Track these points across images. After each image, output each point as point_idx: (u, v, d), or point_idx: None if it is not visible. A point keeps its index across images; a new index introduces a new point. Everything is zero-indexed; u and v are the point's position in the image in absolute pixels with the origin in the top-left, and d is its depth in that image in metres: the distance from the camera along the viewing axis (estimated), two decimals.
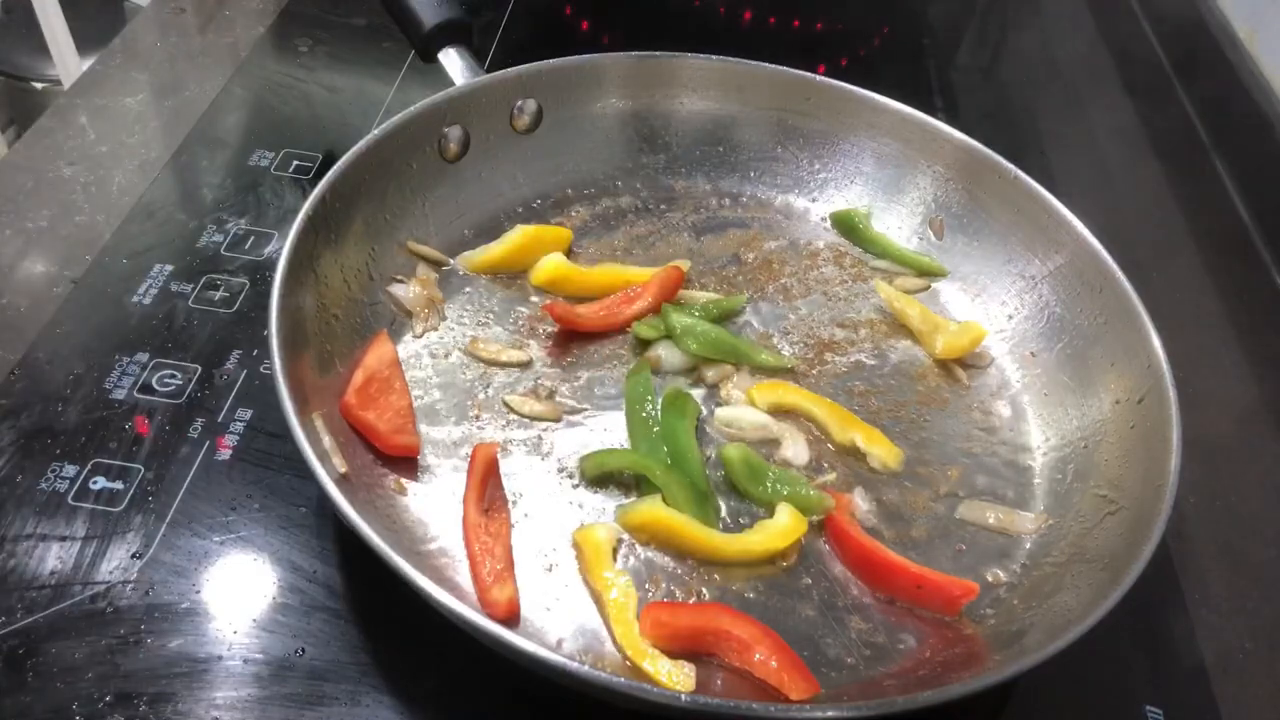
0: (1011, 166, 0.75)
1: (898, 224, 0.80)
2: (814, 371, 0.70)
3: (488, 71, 0.76)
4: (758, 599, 0.57)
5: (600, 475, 0.61)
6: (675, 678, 0.51)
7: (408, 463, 0.60)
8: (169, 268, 0.73)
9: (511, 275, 0.73)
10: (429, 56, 0.78)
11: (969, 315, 0.75)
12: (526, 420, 0.64)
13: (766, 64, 0.81)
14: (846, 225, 0.80)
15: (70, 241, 0.74)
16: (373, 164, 0.68)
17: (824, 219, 0.82)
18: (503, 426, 0.63)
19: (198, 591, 0.55)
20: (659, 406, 0.64)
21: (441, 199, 0.74)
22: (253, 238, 0.76)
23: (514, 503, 0.59)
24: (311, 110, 0.90)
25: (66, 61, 1.49)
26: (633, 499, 0.60)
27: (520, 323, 0.70)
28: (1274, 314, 0.83)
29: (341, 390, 0.60)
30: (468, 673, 0.53)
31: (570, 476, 0.61)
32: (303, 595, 0.56)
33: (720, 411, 0.66)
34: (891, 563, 0.57)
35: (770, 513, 0.60)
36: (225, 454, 0.62)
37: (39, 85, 1.60)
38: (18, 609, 0.53)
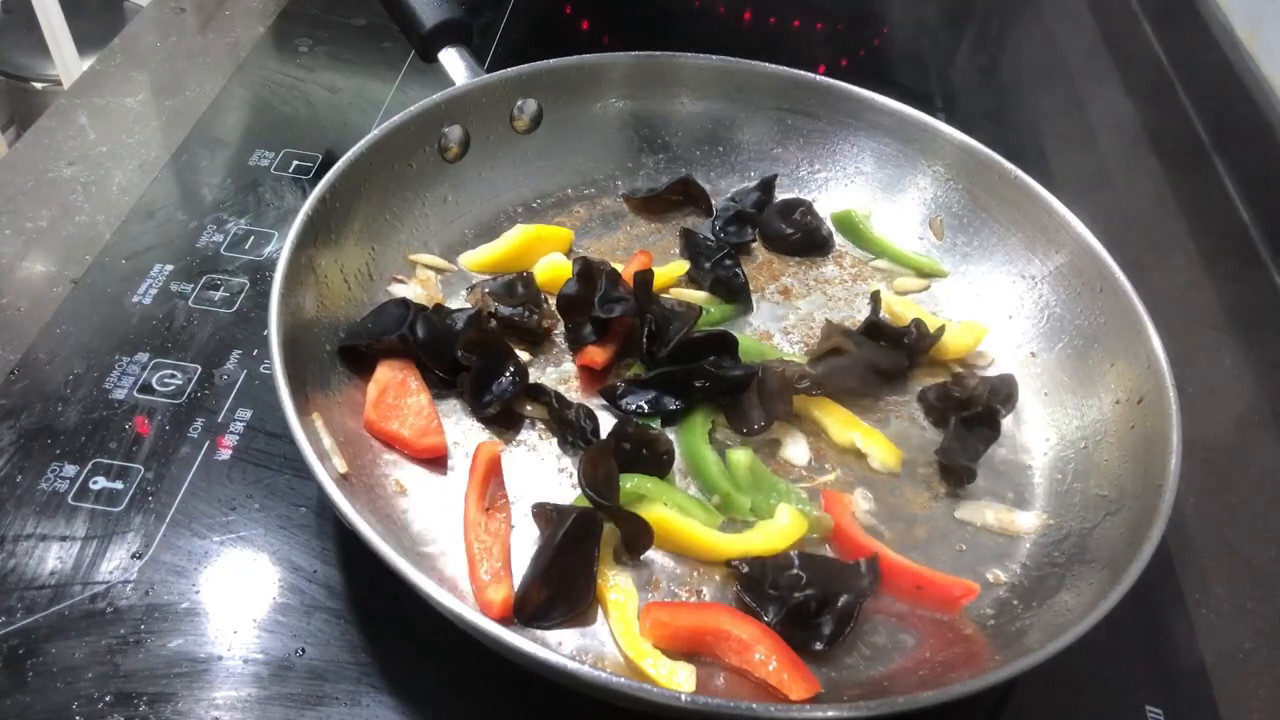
0: (1011, 166, 0.75)
1: (898, 224, 0.80)
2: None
3: (488, 71, 0.76)
4: None
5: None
6: (675, 678, 0.51)
7: (408, 463, 0.60)
8: (169, 268, 0.73)
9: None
10: (429, 56, 0.78)
11: (969, 315, 0.75)
12: (527, 420, 0.64)
13: (766, 64, 0.81)
14: (846, 225, 0.80)
15: (70, 241, 0.74)
16: (373, 164, 0.68)
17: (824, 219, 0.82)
18: (503, 427, 0.63)
19: (197, 591, 0.55)
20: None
21: (441, 199, 0.74)
22: (253, 238, 0.76)
23: (514, 503, 0.59)
24: (311, 110, 0.90)
25: (66, 61, 1.49)
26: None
27: None
28: (1274, 314, 0.83)
29: (359, 405, 0.61)
30: (468, 673, 0.53)
31: (570, 476, 0.61)
32: (303, 595, 0.56)
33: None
34: (891, 563, 0.57)
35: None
36: (225, 454, 0.62)
37: (39, 85, 1.60)
38: (18, 609, 0.53)
